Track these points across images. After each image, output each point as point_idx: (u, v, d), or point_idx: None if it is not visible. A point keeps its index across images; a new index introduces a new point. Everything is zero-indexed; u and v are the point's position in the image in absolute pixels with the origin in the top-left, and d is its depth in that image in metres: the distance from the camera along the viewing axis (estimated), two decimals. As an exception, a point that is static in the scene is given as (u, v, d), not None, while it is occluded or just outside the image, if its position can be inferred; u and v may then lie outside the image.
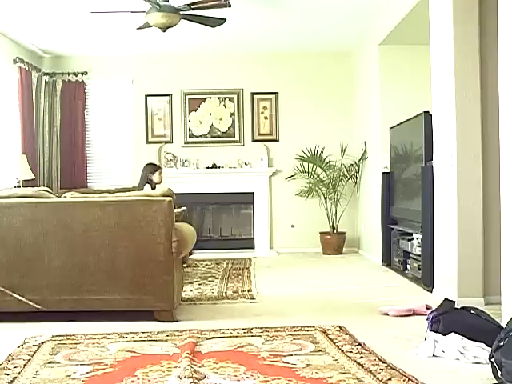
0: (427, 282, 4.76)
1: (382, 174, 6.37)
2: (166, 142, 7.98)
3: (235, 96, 8.01)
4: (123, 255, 3.74)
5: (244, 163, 7.83)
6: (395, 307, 3.94)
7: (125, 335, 3.35)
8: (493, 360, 2.49)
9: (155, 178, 6.46)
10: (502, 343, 2.48)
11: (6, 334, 3.49)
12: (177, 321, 3.75)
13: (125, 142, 8.01)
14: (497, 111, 3.46)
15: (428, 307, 3.80)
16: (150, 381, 2.54)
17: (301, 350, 3.02)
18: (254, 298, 4.56)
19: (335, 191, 7.64)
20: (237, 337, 3.29)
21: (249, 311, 4.11)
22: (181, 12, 5.38)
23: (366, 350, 2.96)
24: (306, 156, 7.73)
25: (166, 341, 3.24)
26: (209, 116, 7.99)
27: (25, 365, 2.80)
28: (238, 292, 4.83)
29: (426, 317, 3.25)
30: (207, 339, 3.25)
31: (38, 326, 3.63)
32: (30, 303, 3.72)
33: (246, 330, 3.42)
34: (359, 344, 3.06)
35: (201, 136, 7.98)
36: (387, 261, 6.20)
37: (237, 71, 7.99)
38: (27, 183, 6.61)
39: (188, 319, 3.80)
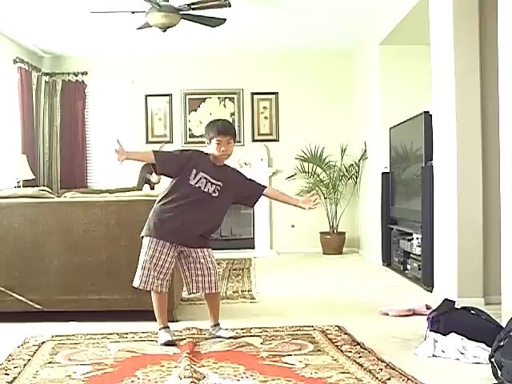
0: (427, 282, 4.76)
1: (382, 174, 6.37)
2: (166, 142, 7.98)
3: (235, 96, 8.01)
4: (123, 255, 3.74)
5: (244, 163, 7.82)
6: (395, 307, 3.94)
7: (125, 335, 3.35)
8: (493, 360, 2.48)
9: (153, 178, 6.45)
10: (502, 343, 2.48)
11: (6, 334, 3.49)
12: (177, 321, 3.75)
13: (125, 142, 7.94)
14: (497, 111, 3.46)
15: (428, 307, 3.79)
16: (149, 381, 2.54)
17: (300, 349, 3.02)
18: (253, 298, 4.56)
19: (335, 191, 7.64)
20: (236, 337, 3.29)
21: (249, 311, 4.11)
22: (181, 12, 5.39)
23: (365, 349, 2.96)
24: (306, 156, 7.74)
25: (166, 341, 3.24)
26: (209, 116, 7.97)
27: (25, 365, 2.80)
28: (238, 292, 4.83)
29: (425, 317, 3.24)
30: (206, 339, 3.26)
31: (38, 325, 3.63)
32: (30, 303, 3.72)
33: (245, 330, 3.42)
34: (358, 344, 3.06)
35: (201, 136, 7.96)
36: (387, 261, 6.20)
37: (237, 71, 7.99)
38: (27, 183, 6.61)
39: (188, 319, 3.80)
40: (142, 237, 3.28)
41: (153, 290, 3.21)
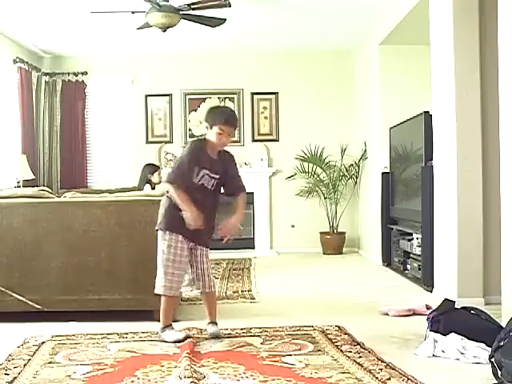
0: (427, 282, 4.76)
1: (382, 173, 6.37)
2: (166, 142, 7.98)
3: (235, 96, 8.01)
4: (123, 255, 3.74)
5: (244, 163, 7.81)
6: (395, 307, 3.94)
7: (125, 335, 3.35)
8: (493, 360, 2.48)
9: (154, 178, 6.45)
10: (501, 343, 2.48)
11: (6, 334, 3.49)
12: (177, 321, 3.74)
13: (125, 141, 8.01)
14: (497, 111, 3.46)
15: (428, 307, 3.79)
16: (149, 381, 2.54)
17: (300, 349, 3.02)
18: (253, 298, 4.56)
19: (335, 191, 7.64)
20: (236, 337, 3.29)
21: (248, 311, 4.11)
22: (181, 12, 5.39)
23: (365, 349, 2.96)
24: (306, 156, 7.74)
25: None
26: (209, 116, 7.98)
27: (25, 365, 2.80)
28: (238, 292, 4.83)
29: (425, 317, 3.24)
30: (206, 339, 3.26)
31: (38, 325, 3.63)
32: (30, 303, 3.71)
33: (245, 330, 3.42)
34: (358, 344, 3.06)
35: (201, 136, 7.96)
36: (387, 261, 6.20)
37: (237, 71, 7.99)
38: (27, 183, 6.60)
39: (188, 319, 3.80)
40: (158, 230, 3.27)
41: (175, 295, 3.27)
